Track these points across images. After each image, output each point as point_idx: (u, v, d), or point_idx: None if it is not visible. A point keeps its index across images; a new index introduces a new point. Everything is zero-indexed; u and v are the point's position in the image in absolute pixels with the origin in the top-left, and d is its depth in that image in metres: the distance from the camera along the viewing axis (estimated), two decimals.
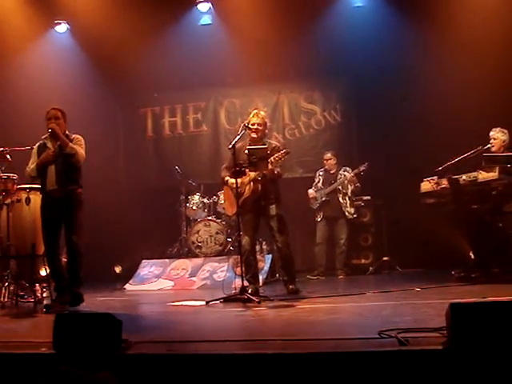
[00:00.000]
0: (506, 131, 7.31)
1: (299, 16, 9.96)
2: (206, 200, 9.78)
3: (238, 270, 6.74)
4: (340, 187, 9.44)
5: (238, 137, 6.67)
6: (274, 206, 6.79)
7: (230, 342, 3.93)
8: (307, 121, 10.92)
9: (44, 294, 6.87)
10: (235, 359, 3.35)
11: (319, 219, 9.56)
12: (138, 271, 9.40)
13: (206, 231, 9.40)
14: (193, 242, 9.44)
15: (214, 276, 8.75)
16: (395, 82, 9.55)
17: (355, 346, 3.41)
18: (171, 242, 10.05)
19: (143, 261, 9.60)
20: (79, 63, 10.74)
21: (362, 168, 9.33)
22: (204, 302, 6.35)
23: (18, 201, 6.70)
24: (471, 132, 8.12)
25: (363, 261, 9.70)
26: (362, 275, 9.29)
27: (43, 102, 9.31)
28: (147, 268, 9.41)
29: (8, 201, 6.76)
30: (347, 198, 9.44)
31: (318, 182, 9.64)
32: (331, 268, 9.46)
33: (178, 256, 9.64)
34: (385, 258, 9.49)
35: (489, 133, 7.33)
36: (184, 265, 9.22)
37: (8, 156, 7.08)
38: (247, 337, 4.16)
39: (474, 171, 7.04)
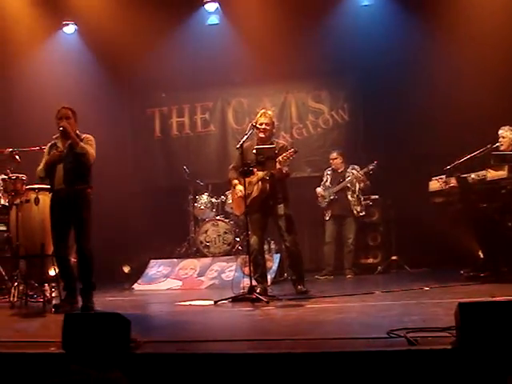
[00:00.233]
0: None
1: (306, 15, 9.96)
2: (214, 200, 9.78)
3: (247, 269, 6.74)
4: (348, 185, 9.42)
5: (246, 136, 6.67)
6: (282, 205, 6.79)
7: (238, 341, 3.93)
8: (315, 120, 10.91)
9: (53, 294, 6.89)
10: (244, 359, 3.35)
11: (327, 218, 9.54)
12: (147, 271, 9.42)
13: (214, 231, 9.41)
14: (201, 242, 9.45)
15: (223, 276, 8.75)
16: (403, 80, 9.53)
17: (364, 346, 3.41)
18: (179, 241, 10.06)
19: (151, 261, 9.62)
20: (87, 64, 10.78)
21: (370, 167, 9.31)
22: (212, 302, 6.35)
23: (27, 201, 6.70)
24: (480, 130, 8.10)
25: (371, 260, 9.68)
26: (370, 275, 9.27)
27: (51, 103, 9.34)
28: (155, 268, 9.43)
29: (17, 201, 6.78)
30: (355, 197, 9.42)
31: (326, 180, 9.63)
32: (339, 267, 9.45)
33: (187, 256, 9.65)
34: (393, 258, 9.47)
35: (498, 131, 7.30)
36: (192, 264, 9.23)
37: (17, 156, 7.12)
38: (256, 336, 4.16)
39: (483, 170, 7.01)
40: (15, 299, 6.62)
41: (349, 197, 9.41)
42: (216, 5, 10.83)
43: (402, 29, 9.63)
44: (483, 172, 7.00)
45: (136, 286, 9.03)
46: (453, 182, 7.31)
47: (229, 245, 9.32)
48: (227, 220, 9.43)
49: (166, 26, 10.42)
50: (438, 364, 3.06)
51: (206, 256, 9.36)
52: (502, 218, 7.07)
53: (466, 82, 9.00)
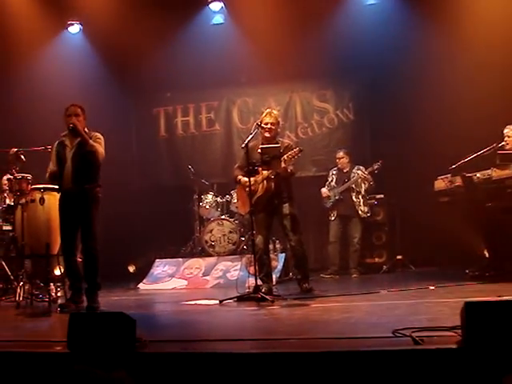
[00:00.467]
0: None
1: (311, 14, 9.95)
2: (219, 199, 9.79)
3: (252, 268, 6.75)
4: (353, 186, 9.41)
5: (251, 136, 6.66)
6: (287, 204, 6.78)
7: (243, 340, 3.93)
8: (320, 119, 10.91)
9: (58, 294, 6.90)
10: (249, 358, 3.35)
11: (332, 218, 9.54)
12: (152, 270, 9.42)
13: (219, 230, 9.41)
14: (206, 241, 9.45)
15: (228, 275, 8.76)
16: (408, 79, 9.50)
17: (369, 345, 3.40)
18: (184, 241, 10.07)
19: (157, 260, 9.63)
20: (92, 63, 10.80)
21: (375, 166, 9.30)
22: (217, 301, 6.35)
23: (33, 201, 6.71)
24: (485, 130, 8.06)
25: (377, 259, 9.68)
26: (375, 274, 9.27)
27: (56, 103, 9.37)
28: (161, 267, 9.43)
29: (22, 201, 6.78)
30: (360, 197, 9.41)
31: (332, 180, 9.62)
32: (345, 267, 9.44)
33: (192, 255, 9.65)
34: (398, 257, 9.46)
35: (503, 130, 7.28)
36: (197, 264, 9.23)
37: (22, 156, 7.13)
38: (261, 336, 4.16)
39: (489, 169, 6.99)
40: (21, 299, 6.62)
41: (354, 197, 9.40)
42: (221, 4, 10.83)
43: (408, 27, 9.61)
44: (489, 171, 6.99)
45: (141, 286, 9.04)
46: (458, 181, 7.29)
47: (234, 244, 9.32)
48: (232, 219, 9.44)
49: (171, 26, 10.43)
50: (444, 363, 3.05)
51: (211, 255, 9.37)
52: (507, 217, 7.05)
53: (471, 81, 8.98)
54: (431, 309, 4.93)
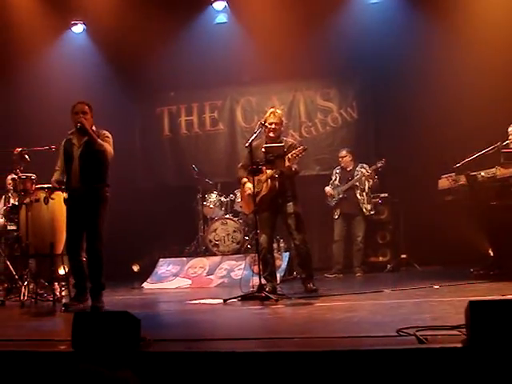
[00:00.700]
0: None
1: (315, 13, 9.94)
2: (223, 198, 9.80)
3: (256, 268, 6.74)
4: (357, 184, 9.41)
5: (255, 135, 6.67)
6: (291, 203, 6.78)
7: (247, 340, 3.93)
8: (324, 118, 10.90)
9: (63, 293, 6.92)
10: (253, 357, 3.35)
11: (336, 217, 9.54)
12: (156, 270, 9.44)
13: (223, 229, 9.42)
14: (210, 241, 9.46)
15: (232, 274, 8.76)
16: (412, 78, 9.50)
17: (373, 344, 3.40)
18: (188, 240, 10.07)
19: (161, 259, 9.64)
20: (95, 63, 10.81)
21: (379, 164, 9.29)
22: (222, 301, 6.35)
23: (37, 200, 6.72)
24: (489, 128, 8.05)
25: (381, 258, 9.67)
26: (379, 273, 9.26)
27: (60, 102, 9.41)
28: (165, 266, 9.44)
29: (27, 200, 6.79)
30: (364, 195, 9.41)
31: (335, 179, 9.62)
32: (349, 266, 9.44)
33: (196, 254, 9.66)
34: (403, 256, 9.45)
35: (507, 129, 7.27)
36: (201, 263, 9.24)
37: (26, 156, 7.14)
38: (265, 335, 4.16)
39: (493, 167, 6.98)
40: (25, 298, 6.64)
41: (357, 195, 9.40)
42: (224, 3, 10.84)
43: (411, 26, 9.60)
44: (493, 170, 6.97)
45: (145, 285, 9.05)
46: (462, 179, 7.28)
47: (238, 243, 9.33)
48: (236, 219, 9.45)
49: (174, 25, 10.44)
50: (448, 362, 3.05)
51: (215, 255, 9.38)
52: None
53: (475, 80, 8.96)
54: (435, 308, 4.92)
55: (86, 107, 6.20)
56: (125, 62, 10.59)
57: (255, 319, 5.25)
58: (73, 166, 6.16)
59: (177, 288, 8.79)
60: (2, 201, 8.79)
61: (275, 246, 8.20)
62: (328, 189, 9.59)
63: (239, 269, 8.65)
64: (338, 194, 9.49)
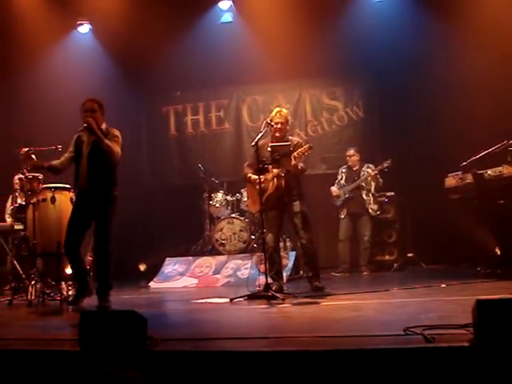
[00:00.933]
0: None
1: (320, 12, 9.93)
2: (229, 197, 9.80)
3: (262, 267, 6.74)
4: (363, 184, 9.41)
5: (261, 134, 6.65)
6: (297, 202, 6.77)
7: (254, 339, 3.93)
8: (330, 117, 10.89)
9: (70, 292, 6.93)
10: (259, 356, 3.35)
11: (342, 216, 9.54)
12: (162, 269, 9.45)
13: (230, 229, 9.42)
14: (216, 240, 9.47)
15: (238, 273, 8.76)
16: (418, 76, 9.48)
17: (380, 343, 3.39)
18: (195, 239, 10.08)
19: (167, 258, 9.65)
20: (101, 63, 10.84)
21: (385, 164, 9.27)
22: (228, 300, 6.35)
23: (44, 200, 6.74)
24: (496, 126, 8.04)
25: (387, 257, 9.65)
26: (386, 272, 9.25)
27: (66, 102, 9.45)
28: (171, 266, 9.45)
29: (34, 200, 6.81)
30: (371, 195, 9.41)
31: (341, 178, 9.62)
32: (355, 265, 9.43)
33: (202, 253, 9.67)
34: (409, 255, 9.44)
35: None
36: (208, 262, 9.24)
37: (33, 156, 7.15)
38: (271, 334, 4.15)
39: (500, 166, 6.96)
40: (33, 297, 6.67)
41: (363, 196, 9.40)
42: (229, 3, 10.84)
43: (417, 24, 9.59)
44: (500, 168, 6.95)
45: (152, 284, 9.06)
46: (469, 178, 7.26)
47: (244, 242, 9.34)
48: (242, 218, 9.45)
49: (180, 25, 10.45)
50: (456, 361, 3.04)
51: (221, 254, 9.38)
52: None
53: (482, 77, 8.94)
54: (442, 306, 4.91)
55: (96, 105, 6.16)
56: (131, 61, 10.61)
57: (262, 318, 5.25)
58: (81, 163, 6.15)
59: (183, 287, 8.80)
60: (10, 200, 8.83)
61: (281, 245, 8.19)
62: (334, 189, 9.58)
63: (245, 268, 8.66)
64: (344, 194, 9.48)
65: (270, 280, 6.44)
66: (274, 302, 5.97)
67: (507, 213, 6.97)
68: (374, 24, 9.89)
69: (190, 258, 9.53)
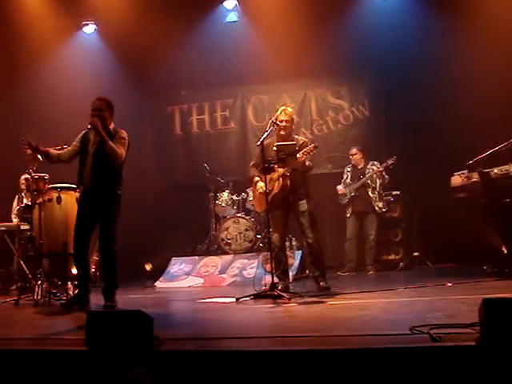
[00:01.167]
0: None
1: (325, 11, 9.92)
2: (235, 197, 9.81)
3: (268, 266, 6.73)
4: (369, 182, 9.40)
5: (266, 133, 6.65)
6: (303, 201, 6.77)
7: (260, 338, 3.93)
8: (335, 116, 10.88)
9: (76, 292, 6.93)
10: (266, 356, 3.35)
11: (348, 215, 9.55)
12: (168, 269, 9.46)
13: (236, 228, 9.43)
14: (222, 239, 9.47)
15: (244, 273, 8.77)
16: (423, 75, 9.47)
17: (387, 343, 3.38)
18: (201, 239, 10.09)
19: (173, 258, 9.66)
20: (107, 63, 10.86)
21: (389, 162, 9.26)
22: (234, 299, 6.35)
23: (50, 200, 6.75)
24: (502, 124, 8.01)
25: (393, 256, 9.64)
26: (392, 271, 9.24)
27: (72, 102, 9.47)
28: (177, 265, 9.46)
29: (40, 200, 6.82)
30: (376, 193, 9.40)
31: (347, 177, 9.63)
32: (361, 264, 9.42)
33: (208, 253, 9.68)
34: (415, 254, 9.43)
35: None
36: (214, 262, 9.25)
37: (39, 156, 7.16)
38: (277, 333, 4.15)
39: (506, 164, 6.93)
40: (39, 297, 6.68)
41: (369, 193, 9.40)
42: (234, 2, 10.85)
43: (422, 23, 9.57)
44: (506, 166, 6.93)
45: (158, 284, 9.08)
46: (475, 176, 7.24)
47: (250, 242, 9.34)
48: (248, 217, 9.46)
49: (185, 24, 10.47)
50: (462, 361, 3.04)
51: (227, 253, 9.39)
52: None
53: (487, 76, 8.92)
54: (449, 306, 4.90)
55: (104, 104, 6.11)
56: (136, 61, 10.63)
57: (268, 318, 5.25)
58: (86, 162, 6.10)
59: (189, 287, 8.81)
60: (16, 201, 8.85)
61: (287, 244, 8.20)
62: (340, 187, 9.59)
63: (251, 267, 8.66)
64: (350, 193, 9.48)
65: (275, 279, 6.44)
66: (280, 301, 5.98)
67: None
68: (379, 23, 9.88)
69: (196, 257, 9.54)
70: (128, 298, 7.07)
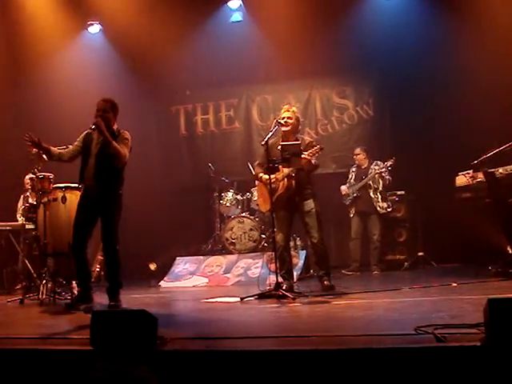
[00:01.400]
0: None
1: (330, 11, 9.91)
2: (239, 197, 9.81)
3: (273, 266, 6.73)
4: (371, 182, 9.38)
5: (271, 133, 6.64)
6: (308, 201, 6.76)
7: (264, 338, 3.93)
8: (340, 116, 10.86)
9: (78, 291, 6.94)
10: (270, 355, 3.35)
11: (352, 215, 9.55)
12: (173, 268, 9.46)
13: (240, 228, 9.43)
14: (227, 239, 9.48)
15: (249, 272, 8.77)
16: (428, 75, 9.45)
17: (391, 343, 3.38)
18: (205, 238, 10.10)
19: (177, 258, 9.66)
20: (112, 63, 10.86)
21: (388, 163, 9.23)
22: (238, 299, 6.35)
23: (55, 199, 6.76)
24: (507, 124, 7.99)
25: (398, 256, 9.61)
26: (397, 271, 9.22)
27: (77, 102, 9.49)
28: (181, 265, 9.47)
29: (44, 200, 6.83)
30: (378, 193, 9.37)
31: (352, 178, 9.62)
32: (366, 263, 9.41)
33: (212, 253, 9.68)
34: (420, 254, 9.40)
35: None
36: (218, 261, 9.25)
37: (44, 156, 7.17)
38: (282, 333, 4.16)
39: (511, 164, 6.92)
40: (44, 296, 6.70)
41: (371, 194, 9.37)
42: (239, 2, 10.85)
43: (427, 22, 9.55)
44: (511, 166, 6.91)
45: (162, 284, 9.08)
46: (480, 176, 7.23)
47: (254, 242, 9.34)
48: (253, 217, 9.46)
49: (190, 24, 10.46)
50: (467, 361, 3.03)
51: (231, 253, 9.39)
52: None
53: (493, 76, 8.88)
54: (454, 306, 4.89)
55: (109, 105, 6.12)
56: (141, 61, 10.64)
57: (272, 317, 5.25)
58: (89, 161, 6.11)
59: (194, 286, 8.81)
60: (21, 200, 8.87)
61: (292, 244, 8.20)
62: (343, 188, 9.59)
63: (256, 267, 8.66)
64: (353, 193, 9.48)
65: (280, 279, 6.43)
66: (285, 301, 5.97)
67: None
68: (384, 22, 9.86)
69: (201, 257, 9.54)
70: (132, 298, 7.08)
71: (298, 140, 6.77)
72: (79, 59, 10.88)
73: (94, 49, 11.10)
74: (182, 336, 3.99)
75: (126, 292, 6.56)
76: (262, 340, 3.86)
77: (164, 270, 9.63)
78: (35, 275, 7.36)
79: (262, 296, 6.30)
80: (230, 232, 9.47)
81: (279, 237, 6.72)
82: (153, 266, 10.66)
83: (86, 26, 11.11)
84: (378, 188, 9.38)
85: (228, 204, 9.76)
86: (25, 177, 8.66)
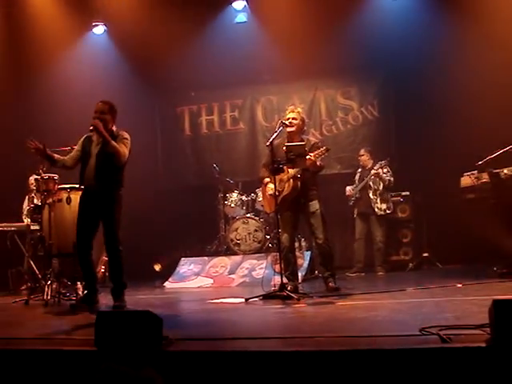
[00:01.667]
0: None
1: (335, 11, 9.90)
2: (244, 197, 9.80)
3: (277, 267, 6.74)
4: (371, 183, 9.38)
5: (276, 134, 6.63)
6: (313, 202, 6.76)
7: (269, 339, 3.93)
8: (344, 117, 10.86)
9: (84, 292, 6.96)
10: (275, 356, 3.35)
11: (355, 216, 9.56)
12: (178, 269, 9.46)
13: (245, 229, 9.42)
14: (231, 240, 9.47)
15: (253, 273, 8.76)
16: (433, 75, 9.43)
17: (396, 344, 3.38)
18: (210, 239, 10.09)
19: (182, 259, 9.66)
20: (116, 64, 10.87)
21: (382, 162, 9.22)
22: (243, 300, 6.35)
23: (59, 200, 6.78)
24: None
25: (403, 257, 9.61)
26: (401, 271, 9.21)
27: (82, 103, 9.49)
28: (186, 266, 9.47)
29: (49, 200, 6.85)
30: (378, 194, 9.36)
31: (357, 178, 9.63)
32: (370, 264, 9.41)
33: (217, 254, 9.68)
34: (425, 254, 9.40)
35: None
36: (223, 262, 9.25)
37: (44, 158, 7.19)
38: (287, 334, 4.16)
39: None
40: (49, 297, 6.71)
41: (370, 195, 9.37)
42: (243, 3, 10.84)
43: (432, 23, 9.54)
44: None
45: (167, 284, 9.08)
46: (485, 177, 7.22)
47: (259, 242, 9.33)
48: (257, 218, 9.45)
49: (195, 25, 10.48)
50: (472, 362, 3.03)
51: (236, 254, 9.39)
52: None
53: (498, 76, 8.88)
54: (459, 307, 4.88)
55: (106, 107, 6.13)
56: (145, 62, 10.64)
57: (277, 318, 5.25)
58: (90, 162, 6.13)
59: (198, 287, 8.81)
60: (26, 201, 8.89)
61: (297, 244, 8.19)
62: (348, 188, 9.62)
63: (261, 268, 8.65)
64: (355, 194, 9.49)
65: (285, 280, 6.42)
66: (290, 301, 5.97)
67: None
68: (389, 23, 9.84)
69: (205, 258, 9.54)
70: (137, 299, 7.09)
71: (303, 141, 6.76)
72: (84, 60, 10.89)
73: (98, 50, 11.11)
74: (187, 337, 3.99)
75: (130, 293, 6.57)
76: (267, 341, 3.86)
77: (169, 270, 9.63)
78: (40, 276, 7.37)
79: (267, 297, 6.30)
80: (234, 233, 9.47)
81: (284, 238, 6.72)
82: (157, 267, 10.69)
83: (90, 27, 11.12)
84: (377, 189, 9.37)
85: (233, 205, 9.76)
86: (29, 178, 8.67)
